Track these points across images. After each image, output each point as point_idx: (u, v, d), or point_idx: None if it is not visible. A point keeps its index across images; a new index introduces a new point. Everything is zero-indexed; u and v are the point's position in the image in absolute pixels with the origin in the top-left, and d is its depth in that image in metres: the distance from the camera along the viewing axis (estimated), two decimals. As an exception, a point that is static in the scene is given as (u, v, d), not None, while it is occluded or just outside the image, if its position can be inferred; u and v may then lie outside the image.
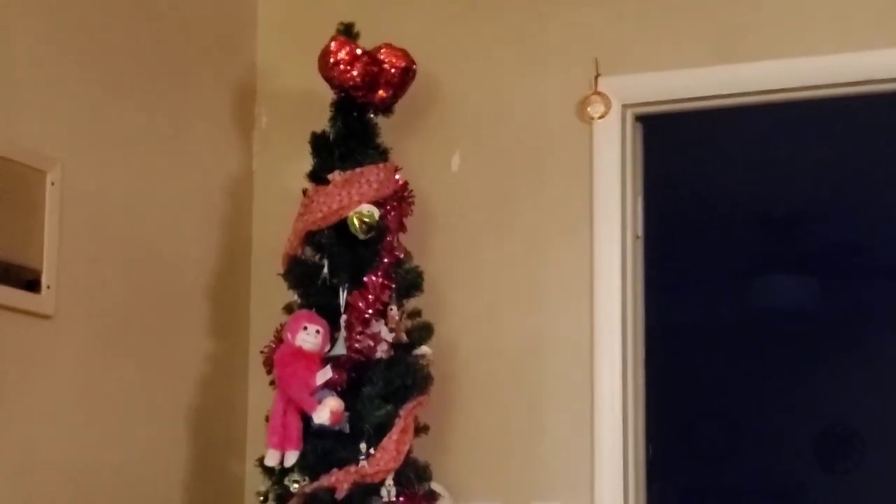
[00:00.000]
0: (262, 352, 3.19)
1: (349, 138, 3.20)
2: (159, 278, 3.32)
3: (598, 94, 3.38)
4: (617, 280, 3.37)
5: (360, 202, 3.13)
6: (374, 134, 3.23)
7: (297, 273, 3.17)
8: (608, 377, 3.34)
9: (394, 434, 3.03)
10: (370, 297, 3.08)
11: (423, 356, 3.16)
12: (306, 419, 3.03)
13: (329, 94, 3.23)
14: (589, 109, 3.39)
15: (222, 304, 3.53)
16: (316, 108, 3.28)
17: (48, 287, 2.94)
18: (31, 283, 2.91)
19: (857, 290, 6.60)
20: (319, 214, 3.14)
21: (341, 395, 3.05)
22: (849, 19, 3.28)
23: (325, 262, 3.14)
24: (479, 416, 3.42)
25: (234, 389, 3.56)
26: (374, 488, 3.02)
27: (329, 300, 3.12)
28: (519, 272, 3.44)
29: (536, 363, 3.40)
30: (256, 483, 3.15)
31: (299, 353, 3.05)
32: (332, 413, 3.00)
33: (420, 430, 3.15)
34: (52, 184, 2.97)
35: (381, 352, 3.08)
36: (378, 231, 3.15)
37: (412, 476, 3.08)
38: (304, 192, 3.21)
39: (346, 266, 3.13)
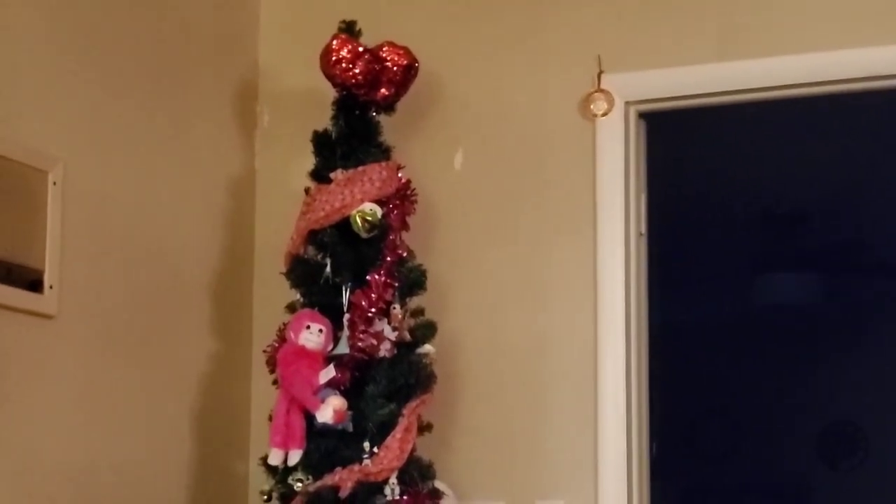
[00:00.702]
0: (265, 351, 3.19)
1: (351, 137, 3.19)
2: (162, 278, 3.32)
3: (601, 91, 3.38)
4: (620, 278, 3.36)
5: (362, 201, 3.13)
6: (376, 132, 3.22)
7: (300, 272, 3.17)
8: (612, 375, 3.34)
9: (397, 433, 3.03)
10: (373, 295, 3.07)
11: (426, 355, 3.16)
12: (310, 418, 3.03)
13: (331, 93, 3.23)
14: (592, 107, 3.38)
15: (225, 304, 3.53)
16: (318, 106, 3.27)
17: (50, 287, 2.94)
18: (34, 284, 2.91)
19: (860, 287, 6.60)
20: (322, 213, 3.13)
21: (344, 393, 3.04)
22: (851, 15, 3.27)
23: (328, 261, 3.14)
24: (483, 415, 3.41)
25: (236, 389, 3.55)
26: (378, 487, 3.02)
27: (332, 299, 3.11)
28: (522, 270, 3.44)
29: (540, 361, 3.40)
30: (260, 482, 3.14)
31: (302, 352, 3.05)
32: (336, 412, 3.00)
33: (423, 428, 3.14)
34: (54, 183, 2.97)
35: (385, 350, 3.08)
36: (381, 229, 3.14)
37: (416, 475, 3.08)
38: (307, 190, 3.20)
39: (349, 265, 3.12)
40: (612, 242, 3.37)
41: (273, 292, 3.31)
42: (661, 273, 3.63)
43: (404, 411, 3.06)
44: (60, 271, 2.96)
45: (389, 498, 3.02)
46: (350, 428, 3.04)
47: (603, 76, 3.39)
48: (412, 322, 3.15)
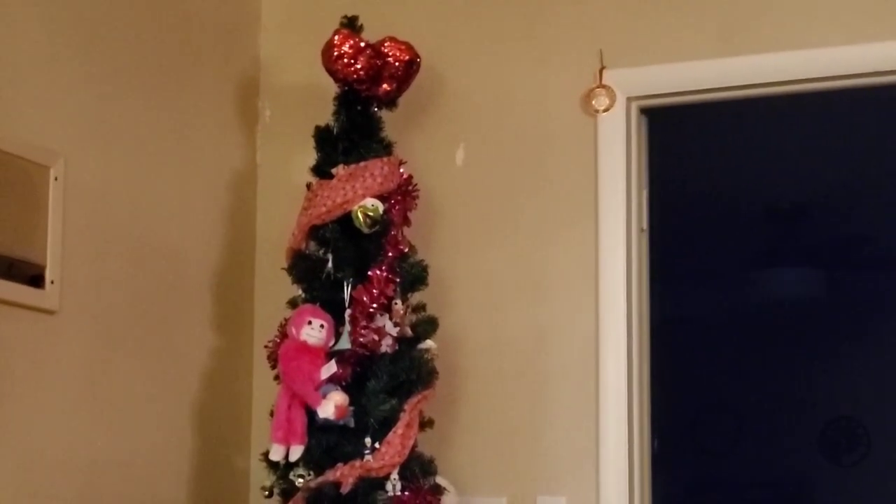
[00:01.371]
0: (266, 346, 3.19)
1: (353, 132, 3.19)
2: (163, 273, 3.32)
3: (603, 86, 3.37)
4: (622, 273, 3.36)
5: (364, 196, 3.12)
6: (378, 127, 3.22)
7: (302, 267, 3.17)
8: (613, 370, 3.34)
9: (399, 428, 3.03)
10: (374, 291, 3.07)
11: (427, 350, 3.16)
12: (311, 414, 3.03)
13: (333, 88, 3.22)
14: (594, 102, 3.38)
15: (226, 299, 3.53)
16: (320, 101, 3.27)
17: (52, 282, 2.94)
18: (35, 279, 2.91)
19: (862, 281, 6.60)
20: (323, 208, 3.13)
21: (346, 389, 3.04)
22: (854, 11, 3.27)
23: (330, 257, 3.13)
24: (485, 410, 3.41)
25: (238, 384, 3.55)
26: (380, 483, 3.02)
27: (333, 294, 3.11)
28: (523, 265, 3.44)
29: (541, 357, 3.39)
30: (261, 478, 3.14)
31: (304, 347, 3.05)
32: (337, 407, 3.00)
33: (425, 424, 3.14)
34: (56, 179, 2.97)
35: (386, 346, 3.08)
36: (382, 225, 3.14)
37: (417, 470, 3.08)
38: (308, 186, 3.20)
39: (351, 260, 3.12)
40: (613, 238, 3.37)
41: (274, 288, 3.31)
42: (662, 268, 3.62)
43: (406, 407, 3.06)
44: (62, 266, 2.96)
45: (391, 494, 3.02)
46: (351, 423, 3.03)
47: (605, 72, 3.38)
48: (413, 317, 3.15)
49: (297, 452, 3.03)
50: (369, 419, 3.03)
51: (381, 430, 3.03)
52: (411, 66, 3.23)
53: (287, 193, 3.39)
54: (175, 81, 3.41)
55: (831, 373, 7.05)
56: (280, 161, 3.64)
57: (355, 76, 3.16)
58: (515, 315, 3.42)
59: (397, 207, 3.19)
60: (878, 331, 6.87)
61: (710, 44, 3.35)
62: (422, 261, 3.21)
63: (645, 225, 3.46)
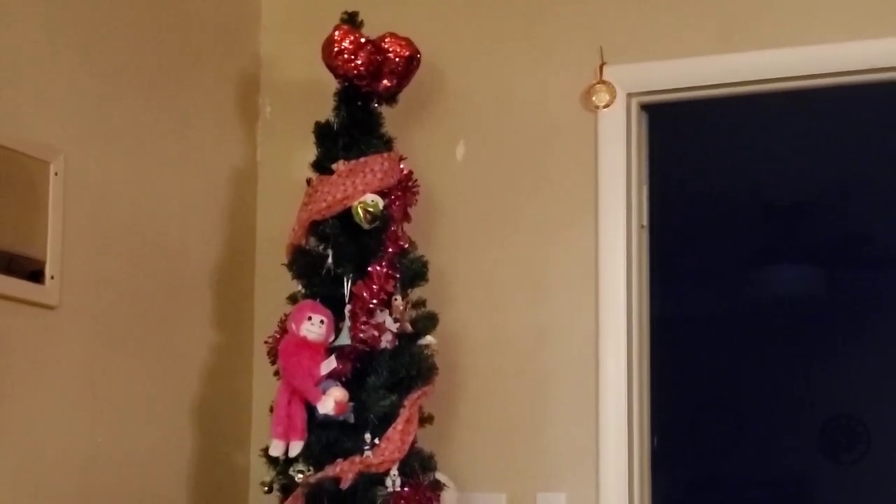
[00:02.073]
0: (266, 342, 3.19)
1: (353, 128, 3.19)
2: (163, 269, 3.32)
3: (603, 82, 3.37)
4: (622, 270, 3.36)
5: (364, 192, 3.12)
6: (378, 123, 3.22)
7: (302, 263, 3.17)
8: (613, 368, 3.34)
9: (398, 424, 3.03)
10: (374, 286, 3.07)
11: (427, 346, 3.16)
12: (311, 409, 3.03)
13: (333, 84, 3.22)
14: (594, 98, 3.38)
15: (226, 295, 3.53)
16: (320, 97, 3.27)
17: (52, 278, 2.94)
18: (35, 274, 2.91)
19: (862, 279, 6.60)
20: (324, 204, 3.13)
21: (346, 385, 3.04)
22: (854, 8, 3.26)
23: (330, 252, 3.13)
24: (485, 407, 3.42)
25: (238, 380, 3.55)
26: (379, 478, 3.02)
27: (333, 290, 3.11)
28: (524, 262, 3.44)
29: (541, 353, 3.39)
30: (261, 473, 3.14)
31: (304, 343, 3.05)
32: (337, 403, 3.00)
33: (425, 420, 3.14)
34: (56, 174, 2.97)
35: (386, 342, 3.08)
36: (382, 221, 3.14)
37: (417, 466, 3.08)
38: (309, 181, 3.20)
39: (351, 256, 3.12)
40: (613, 234, 3.36)
41: (274, 283, 3.31)
42: (662, 266, 3.62)
43: (405, 403, 3.06)
44: (62, 262, 2.96)
45: (390, 489, 3.02)
46: (351, 419, 3.03)
47: (605, 68, 3.38)
48: (413, 313, 3.15)
49: (296, 448, 3.03)
50: (369, 415, 3.03)
51: (381, 425, 3.03)
52: (411, 61, 3.23)
53: (287, 189, 3.38)
54: (175, 78, 3.41)
55: (831, 371, 7.05)
56: (280, 157, 3.64)
57: (355, 72, 3.15)
58: (515, 311, 3.42)
59: (397, 203, 3.19)
60: (877, 329, 6.87)
61: (710, 40, 3.35)
62: (422, 256, 3.21)
63: (645, 221, 3.46)
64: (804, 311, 6.61)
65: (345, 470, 2.99)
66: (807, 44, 3.29)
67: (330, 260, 3.12)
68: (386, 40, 3.21)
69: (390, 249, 3.14)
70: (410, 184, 3.24)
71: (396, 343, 3.09)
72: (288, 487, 3.04)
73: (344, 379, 3.05)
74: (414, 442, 3.07)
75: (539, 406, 3.38)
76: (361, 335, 3.05)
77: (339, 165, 3.15)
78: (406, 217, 3.23)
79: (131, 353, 3.20)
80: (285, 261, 3.20)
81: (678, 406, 5.58)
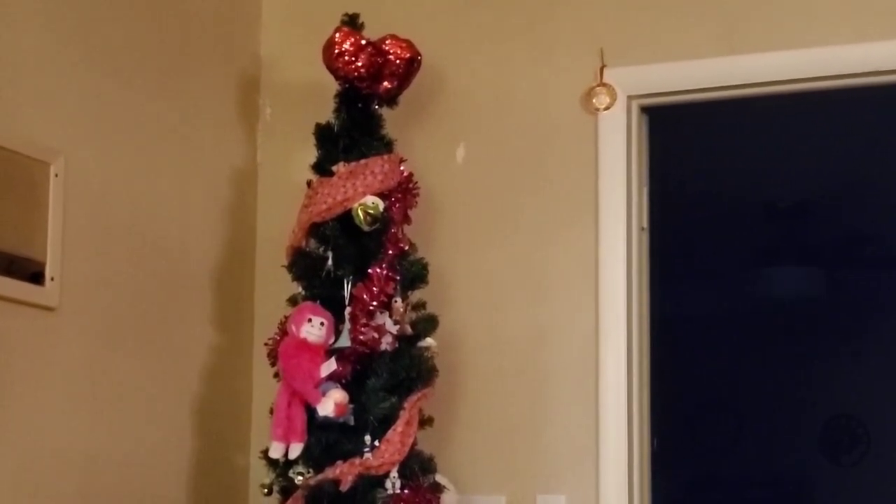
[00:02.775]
0: (266, 344, 3.19)
1: (353, 130, 3.19)
2: (163, 270, 3.32)
3: (604, 85, 3.37)
4: (622, 272, 3.36)
5: (364, 194, 3.12)
6: (378, 125, 3.22)
7: (302, 265, 3.17)
8: (613, 369, 3.34)
9: (398, 426, 3.03)
10: (375, 288, 3.07)
11: (427, 348, 3.16)
12: (311, 411, 3.03)
13: (333, 86, 3.22)
14: (594, 101, 3.38)
15: (226, 296, 3.53)
16: (320, 99, 3.27)
17: (52, 279, 2.94)
18: (35, 276, 2.91)
19: (862, 280, 6.60)
20: (324, 206, 3.13)
21: (346, 387, 3.04)
22: (855, 10, 3.26)
23: (330, 254, 3.13)
24: (485, 409, 3.41)
25: (238, 381, 3.55)
26: (379, 480, 3.02)
27: (333, 292, 3.11)
28: (524, 264, 3.44)
29: (541, 355, 3.39)
30: (261, 475, 3.14)
31: (304, 345, 3.05)
32: (337, 405, 3.00)
33: (425, 422, 3.14)
34: (56, 175, 2.97)
35: (386, 344, 3.08)
36: (382, 223, 3.14)
37: (417, 468, 3.08)
38: (309, 183, 3.20)
39: (351, 258, 3.12)
40: (613, 236, 3.37)
41: (275, 285, 3.31)
42: (662, 267, 3.62)
43: (405, 405, 3.06)
44: (62, 263, 2.96)
45: (390, 491, 3.02)
46: (351, 421, 3.03)
47: (605, 70, 3.38)
48: (413, 315, 3.15)
49: (296, 450, 3.03)
50: (369, 417, 3.03)
51: (381, 427, 3.03)
52: (412, 63, 3.23)
53: (287, 191, 3.38)
54: (176, 79, 3.41)
55: (831, 371, 7.05)
56: (280, 159, 3.64)
57: (356, 74, 3.15)
58: (515, 313, 3.42)
59: (398, 205, 3.19)
60: (878, 329, 6.87)
61: (710, 43, 3.35)
62: (422, 259, 3.21)
63: (645, 223, 3.46)
64: (804, 312, 6.61)
65: (344, 472, 2.99)
66: (806, 46, 3.29)
67: (330, 262, 3.12)
68: (386, 42, 3.21)
69: (390, 251, 3.14)
70: (411, 186, 3.24)
71: (396, 345, 3.09)
72: (288, 489, 3.04)
73: (344, 381, 3.05)
74: (414, 444, 3.07)
75: (539, 407, 3.38)
76: (361, 337, 3.05)
77: (340, 167, 3.15)
78: (406, 219, 3.23)
79: (131, 355, 3.20)
80: (285, 262, 3.20)
81: (678, 407, 5.58)
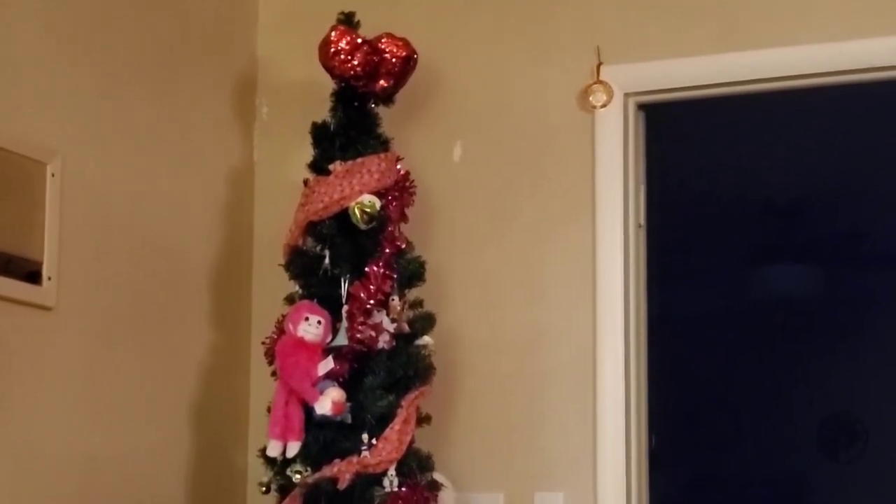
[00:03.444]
0: (263, 343, 3.19)
1: (350, 128, 3.19)
2: (160, 269, 3.32)
3: (600, 82, 3.37)
4: (619, 269, 3.36)
5: (361, 192, 3.12)
6: (375, 124, 3.22)
7: (299, 264, 3.17)
8: (610, 367, 3.34)
9: (396, 424, 3.03)
10: (372, 287, 3.07)
11: (424, 346, 3.16)
12: (308, 410, 3.03)
13: (330, 84, 3.22)
14: (591, 98, 3.38)
15: (224, 295, 3.53)
16: (317, 98, 3.27)
17: (49, 279, 2.94)
18: (32, 275, 2.91)
19: (860, 278, 6.59)
20: (321, 205, 3.13)
21: (343, 385, 3.04)
22: (851, 6, 3.27)
23: (327, 253, 3.13)
24: (482, 407, 3.42)
25: (235, 380, 3.55)
26: (377, 479, 3.02)
27: (330, 291, 3.11)
28: (521, 262, 3.44)
29: (539, 353, 3.40)
30: (258, 474, 3.14)
31: (301, 343, 3.05)
32: (334, 404, 3.00)
33: (422, 420, 3.14)
34: (53, 175, 2.97)
35: (383, 342, 3.08)
36: (379, 221, 3.14)
37: (414, 466, 3.08)
38: (306, 182, 3.20)
39: (348, 256, 3.12)
40: (610, 234, 3.37)
41: (272, 284, 3.31)
42: (659, 265, 3.62)
43: (403, 403, 3.06)
44: (59, 263, 2.96)
45: (388, 490, 3.02)
46: (349, 419, 3.03)
47: (602, 68, 3.38)
48: (411, 314, 3.15)
49: (294, 448, 3.03)
50: (366, 415, 3.03)
51: (379, 426, 3.03)
52: (408, 62, 3.23)
53: (284, 190, 3.39)
54: (172, 79, 3.41)
55: (829, 370, 7.04)
56: (277, 158, 3.64)
57: (352, 72, 3.16)
58: (513, 311, 3.42)
59: (394, 204, 3.19)
60: (876, 327, 6.86)
61: (707, 40, 3.35)
62: (419, 257, 3.21)
63: (642, 221, 3.46)
64: (802, 310, 6.60)
65: (342, 470, 2.99)
66: (803, 43, 3.29)
67: (327, 260, 3.12)
68: (382, 41, 3.21)
69: (387, 250, 3.14)
70: (407, 184, 3.24)
71: (394, 343, 3.09)
72: (285, 488, 3.04)
73: (341, 379, 3.05)
74: (411, 442, 3.07)
75: (536, 406, 3.38)
76: (359, 336, 3.05)
77: (336, 166, 3.15)
78: (403, 217, 3.23)
79: (129, 354, 3.20)
80: (282, 261, 3.20)
81: (676, 405, 5.58)
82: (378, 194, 3.15)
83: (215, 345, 3.49)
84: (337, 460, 3.01)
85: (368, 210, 3.11)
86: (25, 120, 2.94)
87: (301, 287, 3.15)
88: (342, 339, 3.06)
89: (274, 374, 3.12)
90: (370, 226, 3.12)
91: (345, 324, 3.07)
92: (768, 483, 7.10)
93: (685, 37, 3.37)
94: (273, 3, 3.74)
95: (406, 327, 3.12)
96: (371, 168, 3.14)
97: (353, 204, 3.12)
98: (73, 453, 3.02)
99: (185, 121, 3.45)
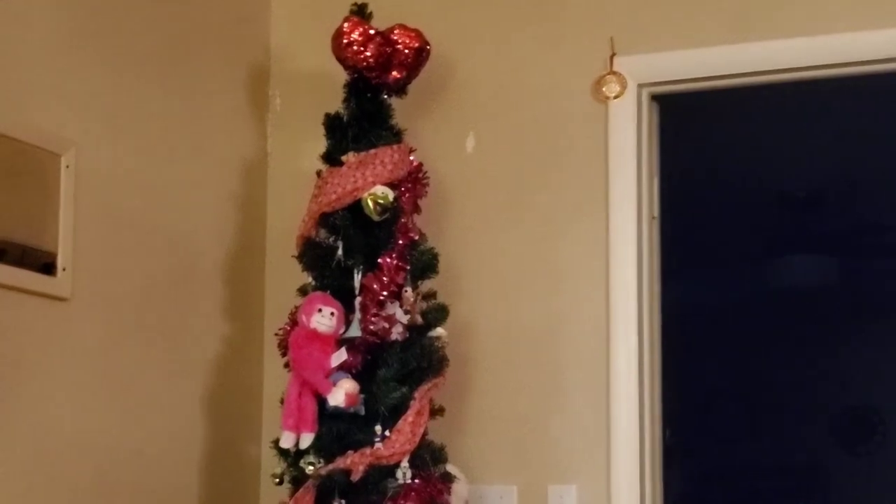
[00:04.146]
0: (276, 334, 3.19)
1: (363, 119, 3.19)
2: (174, 260, 3.33)
3: (614, 73, 3.36)
4: (633, 261, 3.35)
5: (374, 183, 3.12)
6: (387, 115, 3.22)
7: (312, 255, 3.17)
8: (624, 359, 3.33)
9: (409, 416, 3.03)
10: (385, 278, 3.07)
11: (438, 338, 3.16)
12: (321, 401, 3.03)
13: (343, 76, 3.22)
14: (604, 89, 3.37)
15: (237, 287, 3.53)
16: (330, 89, 3.27)
17: (64, 270, 2.95)
18: (47, 266, 2.92)
19: (875, 269, 6.57)
20: (334, 196, 3.13)
21: (356, 377, 3.04)
22: (867, -3, 3.25)
23: (340, 244, 3.13)
24: (495, 399, 3.41)
25: (249, 372, 3.56)
26: (390, 470, 3.02)
27: (343, 282, 3.11)
28: (534, 253, 3.43)
29: (552, 345, 3.39)
30: (272, 465, 3.15)
31: (314, 335, 3.05)
32: (347, 395, 3.00)
33: (435, 412, 3.14)
34: (67, 167, 2.97)
35: (396, 334, 3.08)
36: (392, 212, 3.14)
37: (427, 458, 3.08)
38: (319, 173, 3.20)
39: (361, 248, 3.12)
40: (624, 225, 3.36)
41: (285, 275, 3.31)
42: (673, 256, 3.61)
43: (416, 395, 3.06)
44: (73, 254, 2.97)
45: (401, 481, 3.02)
46: (362, 411, 3.04)
47: (615, 58, 3.37)
48: (424, 305, 3.14)
49: (307, 440, 3.03)
50: (380, 407, 3.03)
51: (392, 417, 3.03)
52: (421, 53, 3.23)
53: (297, 181, 3.39)
54: (186, 70, 3.41)
55: (845, 361, 7.02)
56: (290, 149, 3.64)
57: (365, 64, 3.15)
58: (526, 303, 3.42)
59: (407, 195, 3.19)
60: (892, 318, 6.84)
61: (721, 30, 3.34)
62: (432, 248, 3.20)
63: (656, 212, 3.45)
64: (818, 301, 6.58)
65: (355, 462, 2.99)
66: (820, 33, 3.27)
67: (340, 252, 3.12)
68: (395, 32, 3.20)
69: (400, 241, 3.13)
70: (420, 175, 3.24)
71: (407, 335, 3.09)
72: (299, 479, 3.04)
73: (354, 371, 3.05)
74: (424, 434, 3.07)
75: (550, 398, 3.38)
76: (372, 327, 3.05)
77: (349, 157, 3.14)
78: (416, 208, 3.23)
79: (143, 345, 3.21)
80: (295, 252, 3.20)
81: (689, 397, 5.57)
82: (391, 185, 3.14)
83: (229, 336, 3.49)
84: (350, 452, 3.01)
85: (381, 201, 3.11)
86: (39, 111, 2.95)
87: (314, 278, 3.15)
88: (355, 331, 3.07)
89: (287, 365, 3.12)
90: (383, 217, 3.12)
91: (358, 315, 3.07)
92: (784, 476, 7.08)
93: (699, 27, 3.36)
94: (286, -6, 3.74)
95: (419, 319, 3.12)
96: (384, 159, 3.14)
97: (366, 195, 3.11)
98: (88, 443, 3.03)
99: (199, 112, 3.45)
